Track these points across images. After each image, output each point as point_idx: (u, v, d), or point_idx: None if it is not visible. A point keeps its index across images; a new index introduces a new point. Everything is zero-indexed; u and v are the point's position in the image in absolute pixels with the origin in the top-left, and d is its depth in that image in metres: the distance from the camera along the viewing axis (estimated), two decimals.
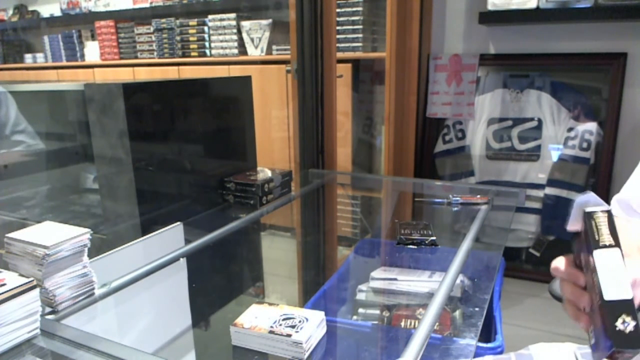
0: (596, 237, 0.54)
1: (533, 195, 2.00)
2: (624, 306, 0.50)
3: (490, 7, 1.84)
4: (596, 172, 1.90)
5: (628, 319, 0.50)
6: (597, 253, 0.53)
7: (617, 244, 0.54)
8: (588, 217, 0.56)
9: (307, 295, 1.42)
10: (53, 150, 1.72)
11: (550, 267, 0.63)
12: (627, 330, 0.49)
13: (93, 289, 0.82)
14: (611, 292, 0.51)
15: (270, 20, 2.57)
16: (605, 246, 0.54)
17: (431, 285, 1.25)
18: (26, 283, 0.69)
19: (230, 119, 1.49)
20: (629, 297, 0.50)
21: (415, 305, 1.25)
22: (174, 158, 1.28)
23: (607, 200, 0.89)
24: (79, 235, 0.78)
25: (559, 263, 0.60)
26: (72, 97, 1.57)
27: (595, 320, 0.53)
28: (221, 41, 2.72)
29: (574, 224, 0.59)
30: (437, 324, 0.75)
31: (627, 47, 1.81)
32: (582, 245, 0.57)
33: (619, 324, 0.50)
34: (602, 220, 0.55)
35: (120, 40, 3.16)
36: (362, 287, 1.32)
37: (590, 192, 0.59)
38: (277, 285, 1.61)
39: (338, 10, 2.18)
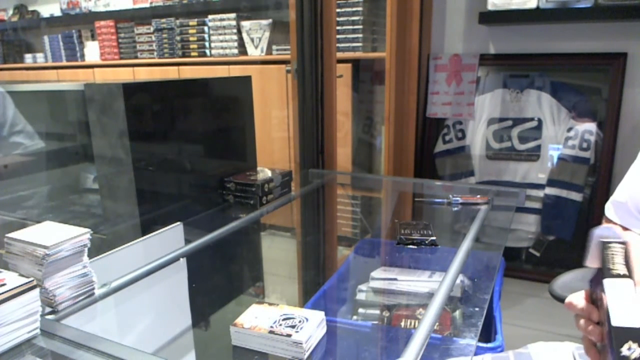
0: (609, 266, 0.55)
1: (533, 195, 2.00)
2: (632, 333, 0.50)
3: (490, 7, 1.84)
4: (596, 172, 1.90)
5: (634, 345, 0.49)
6: (607, 281, 0.54)
7: (630, 275, 0.54)
8: (603, 247, 0.57)
9: (307, 295, 1.42)
10: (53, 150, 1.72)
11: (562, 296, 0.62)
12: (632, 357, 0.49)
13: (93, 289, 0.82)
14: (619, 318, 0.51)
15: (270, 20, 2.57)
16: (618, 275, 0.54)
17: (431, 285, 1.25)
18: (26, 283, 0.69)
19: (230, 119, 1.49)
20: (637, 326, 0.50)
21: (415, 305, 1.25)
22: (174, 158, 1.28)
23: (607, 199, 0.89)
24: (79, 235, 0.78)
25: (574, 298, 0.59)
26: (72, 97, 1.57)
27: (605, 352, 0.53)
28: (221, 41, 2.72)
29: (592, 260, 0.59)
30: (437, 324, 0.75)
31: (627, 47, 1.81)
32: (597, 279, 0.57)
33: (624, 350, 0.49)
34: (617, 251, 0.56)
35: (120, 40, 3.16)
36: (362, 287, 1.33)
37: (608, 226, 0.58)
38: (277, 285, 1.61)
39: (338, 10, 2.18)
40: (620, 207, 0.85)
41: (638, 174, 0.85)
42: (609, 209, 0.87)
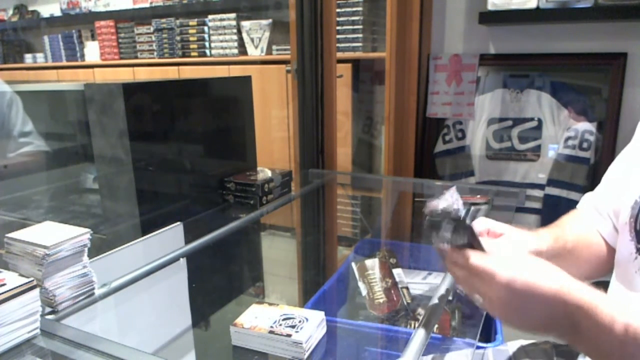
0: None
1: (533, 195, 2.00)
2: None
3: (490, 7, 1.83)
4: (596, 172, 1.90)
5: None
6: None
7: None
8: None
9: (307, 295, 1.42)
10: (53, 150, 1.72)
11: None
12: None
13: (93, 289, 0.82)
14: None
15: (270, 20, 2.57)
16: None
17: (431, 285, 1.25)
18: (26, 283, 0.69)
19: (230, 119, 1.49)
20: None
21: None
22: (174, 158, 1.28)
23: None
24: (79, 235, 0.78)
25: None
26: (72, 97, 1.57)
27: None
28: (221, 41, 2.72)
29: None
30: (437, 324, 0.75)
31: (627, 47, 1.81)
32: None
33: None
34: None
35: (120, 40, 3.16)
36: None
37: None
38: (277, 285, 1.61)
39: (338, 10, 2.18)
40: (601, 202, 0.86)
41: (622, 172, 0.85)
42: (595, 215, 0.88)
